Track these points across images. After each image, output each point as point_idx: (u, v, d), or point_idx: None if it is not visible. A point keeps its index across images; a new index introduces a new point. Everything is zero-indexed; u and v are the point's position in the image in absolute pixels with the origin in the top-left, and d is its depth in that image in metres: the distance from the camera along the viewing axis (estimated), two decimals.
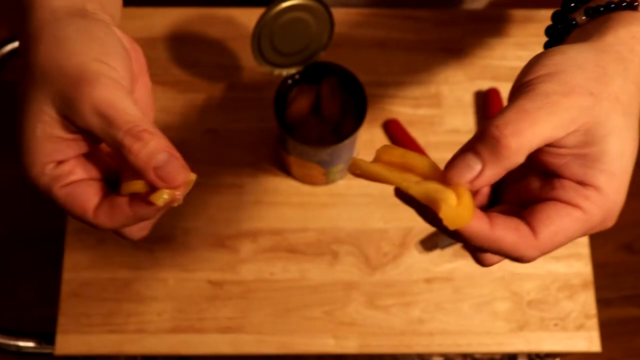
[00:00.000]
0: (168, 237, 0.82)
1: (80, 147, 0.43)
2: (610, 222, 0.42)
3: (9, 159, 1.64)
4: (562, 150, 0.40)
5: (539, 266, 0.81)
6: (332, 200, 0.83)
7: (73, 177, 0.44)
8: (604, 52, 0.41)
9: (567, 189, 0.40)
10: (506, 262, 0.82)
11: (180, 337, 0.78)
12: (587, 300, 0.81)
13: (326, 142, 0.77)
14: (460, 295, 0.80)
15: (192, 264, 0.81)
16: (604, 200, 0.40)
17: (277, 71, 0.74)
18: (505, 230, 0.40)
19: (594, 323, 0.80)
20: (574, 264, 0.82)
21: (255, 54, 0.72)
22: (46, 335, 0.81)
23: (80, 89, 0.40)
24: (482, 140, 0.39)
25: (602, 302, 1.54)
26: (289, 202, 0.83)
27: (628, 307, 1.56)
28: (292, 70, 0.74)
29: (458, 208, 0.39)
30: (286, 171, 0.84)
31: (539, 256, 0.41)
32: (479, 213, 0.40)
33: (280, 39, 0.72)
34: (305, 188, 0.84)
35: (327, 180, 0.83)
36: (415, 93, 0.88)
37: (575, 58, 0.41)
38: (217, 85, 0.85)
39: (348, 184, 0.84)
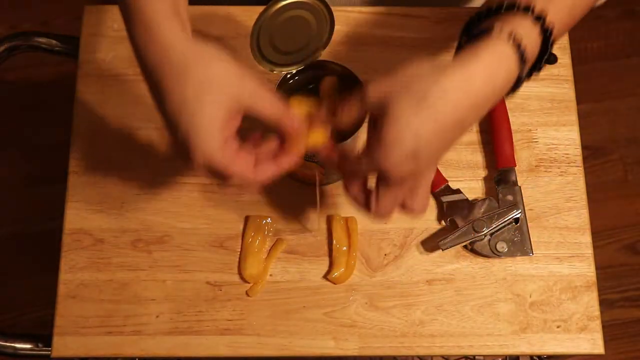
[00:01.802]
0: (166, 238, 0.81)
1: (234, 128, 0.63)
2: (387, 169, 0.60)
3: (9, 159, 1.64)
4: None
5: (542, 267, 0.81)
6: (332, 200, 0.83)
7: (236, 146, 0.63)
8: (443, 75, 0.58)
9: (363, 149, 0.63)
10: (508, 264, 0.82)
11: (178, 339, 0.78)
12: (590, 301, 0.80)
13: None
14: (462, 297, 0.80)
15: (191, 265, 0.80)
16: (372, 159, 0.60)
17: (276, 70, 0.73)
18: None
19: (597, 325, 0.79)
20: (577, 265, 0.81)
21: (255, 52, 0.71)
22: (43, 337, 0.80)
23: (249, 85, 0.62)
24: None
25: (606, 304, 1.54)
26: (288, 202, 0.83)
27: (631, 309, 1.55)
28: (292, 69, 0.74)
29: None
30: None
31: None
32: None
33: (280, 37, 0.71)
34: (306, 188, 0.83)
35: (327, 180, 0.82)
36: None
37: (419, 70, 0.60)
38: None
39: None
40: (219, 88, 0.60)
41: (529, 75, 0.64)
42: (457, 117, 0.59)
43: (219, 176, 0.62)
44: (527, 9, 0.60)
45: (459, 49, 0.64)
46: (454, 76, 0.58)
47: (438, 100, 0.58)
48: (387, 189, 0.63)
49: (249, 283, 0.79)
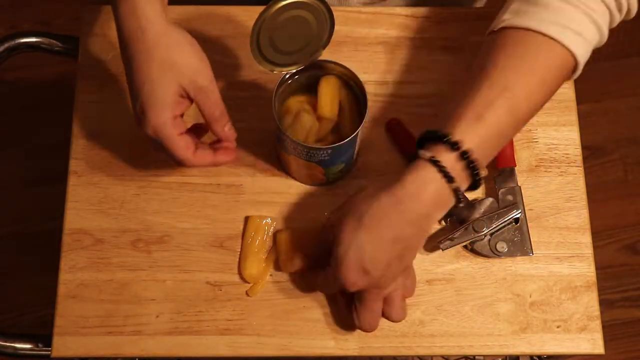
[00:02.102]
0: (166, 238, 0.81)
1: (183, 109, 0.72)
2: (346, 285, 0.69)
3: (9, 159, 1.64)
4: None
5: (542, 267, 0.81)
6: (332, 200, 0.83)
7: (183, 129, 0.71)
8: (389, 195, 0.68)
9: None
10: (508, 264, 0.82)
11: (178, 339, 0.78)
12: (590, 301, 0.80)
13: (326, 142, 0.77)
14: (462, 297, 0.80)
15: (191, 265, 0.80)
16: (331, 276, 0.71)
17: (276, 70, 0.73)
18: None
19: (597, 325, 0.79)
20: (577, 265, 0.81)
21: (255, 52, 0.71)
22: (43, 337, 0.80)
23: (201, 78, 0.71)
24: None
25: (606, 304, 1.54)
26: (288, 202, 0.83)
27: (631, 309, 1.55)
28: (292, 69, 0.74)
29: None
30: (286, 171, 0.83)
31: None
32: None
33: (280, 37, 0.71)
34: (306, 188, 0.83)
35: (327, 180, 0.82)
36: (417, 92, 0.87)
37: (361, 195, 0.71)
38: (216, 83, 0.85)
39: (348, 184, 0.83)
40: (177, 71, 0.69)
41: (473, 188, 0.71)
42: (394, 233, 0.68)
43: (163, 148, 0.71)
44: (444, 138, 0.67)
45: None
46: (383, 199, 0.68)
47: (372, 220, 0.68)
48: (362, 304, 0.72)
49: (248, 283, 0.79)
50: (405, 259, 0.70)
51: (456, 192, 0.68)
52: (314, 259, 0.78)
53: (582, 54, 0.71)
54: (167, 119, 0.69)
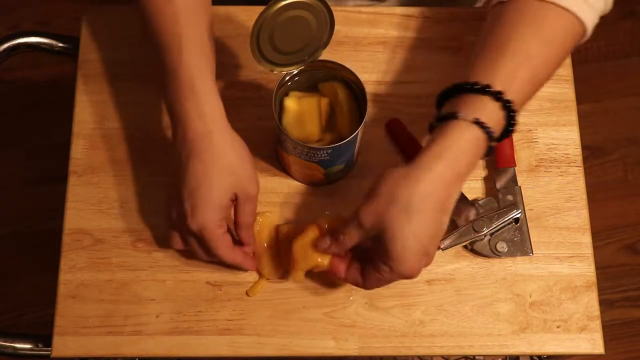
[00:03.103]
0: (166, 238, 0.81)
1: (230, 212, 0.75)
2: (412, 276, 0.68)
3: (9, 159, 1.64)
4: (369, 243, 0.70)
5: (542, 267, 0.81)
6: (332, 200, 0.83)
7: (226, 228, 0.74)
8: (417, 169, 0.66)
9: (376, 262, 0.68)
10: (508, 264, 0.82)
11: (178, 339, 0.78)
12: (590, 301, 0.80)
13: (326, 142, 0.77)
14: (462, 297, 0.80)
15: (191, 265, 0.80)
16: (393, 273, 0.68)
17: (276, 70, 0.73)
18: (351, 274, 0.72)
19: (597, 325, 0.79)
20: (577, 265, 0.81)
21: (255, 52, 0.71)
22: (43, 337, 0.80)
23: (252, 187, 0.75)
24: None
25: (606, 304, 1.54)
26: (288, 202, 0.83)
27: (631, 309, 1.55)
28: (292, 69, 0.74)
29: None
30: (286, 171, 0.83)
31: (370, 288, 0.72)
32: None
33: (280, 37, 0.71)
34: (305, 188, 0.83)
35: (327, 180, 0.82)
36: (417, 92, 0.87)
37: (395, 181, 0.66)
38: (216, 83, 0.85)
39: (348, 184, 0.83)
40: (235, 178, 0.72)
41: (500, 140, 0.70)
42: (440, 206, 0.67)
43: (203, 243, 0.73)
44: (488, 90, 0.67)
45: (431, 129, 0.69)
46: (423, 178, 0.66)
47: (421, 204, 0.65)
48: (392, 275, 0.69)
49: (268, 280, 0.80)
50: (446, 222, 0.69)
51: (491, 146, 0.68)
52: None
53: (591, 24, 0.73)
54: (216, 221, 0.72)
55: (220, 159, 0.71)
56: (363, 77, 0.75)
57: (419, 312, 0.79)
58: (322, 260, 0.72)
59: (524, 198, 0.82)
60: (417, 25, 0.90)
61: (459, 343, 0.78)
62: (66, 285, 0.79)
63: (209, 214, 0.71)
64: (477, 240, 0.80)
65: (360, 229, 0.68)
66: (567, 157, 0.85)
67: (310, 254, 0.73)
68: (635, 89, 1.71)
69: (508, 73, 0.68)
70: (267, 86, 0.86)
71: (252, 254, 0.78)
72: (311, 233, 0.74)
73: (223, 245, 0.73)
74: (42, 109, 1.66)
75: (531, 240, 0.81)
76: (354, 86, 0.76)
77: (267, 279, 0.79)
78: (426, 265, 0.69)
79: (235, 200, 0.74)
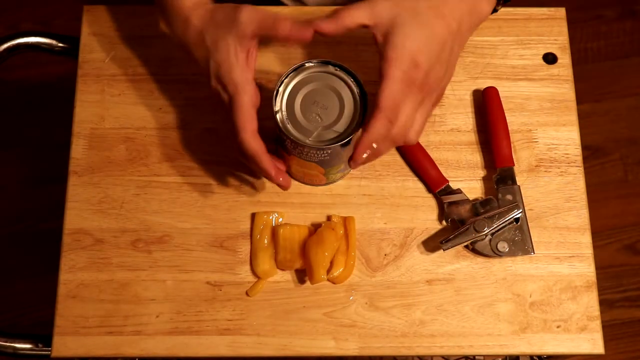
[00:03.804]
0: (166, 238, 0.81)
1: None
2: (420, 72, 0.69)
3: (9, 160, 1.64)
4: (375, 32, 0.70)
5: (542, 267, 0.81)
6: (332, 200, 0.83)
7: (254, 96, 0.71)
8: None
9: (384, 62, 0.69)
10: (508, 263, 0.81)
11: (178, 339, 0.78)
12: (590, 301, 0.80)
13: (326, 142, 0.77)
14: (462, 297, 0.80)
15: (191, 265, 0.80)
16: (396, 68, 0.68)
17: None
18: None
19: (597, 325, 0.79)
20: (577, 265, 0.81)
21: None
22: (43, 337, 0.80)
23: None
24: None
25: (606, 304, 1.54)
26: (288, 202, 0.83)
27: (631, 309, 1.55)
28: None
29: None
30: (286, 171, 0.83)
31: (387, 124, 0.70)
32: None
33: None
34: (305, 188, 0.83)
35: (327, 180, 0.82)
36: None
37: None
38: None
39: (348, 184, 0.83)
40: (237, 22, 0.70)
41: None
42: (448, 24, 0.69)
43: (249, 155, 0.72)
44: None
45: None
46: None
47: (428, 11, 0.68)
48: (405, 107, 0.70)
49: (261, 278, 0.79)
50: (455, 53, 0.71)
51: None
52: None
53: None
54: (249, 80, 0.71)
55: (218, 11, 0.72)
56: (363, 77, 0.75)
57: (419, 312, 0.79)
58: (339, 262, 0.78)
59: (523, 198, 0.82)
60: None
61: (459, 343, 0.78)
62: (66, 285, 0.79)
63: (238, 74, 0.71)
64: (478, 240, 0.80)
65: (371, 12, 0.69)
66: (567, 157, 0.85)
67: (327, 258, 0.77)
68: (635, 89, 1.71)
69: None
70: (267, 86, 0.86)
71: (284, 168, 0.78)
72: (325, 238, 0.77)
73: (267, 160, 0.72)
74: (42, 109, 1.66)
75: (532, 239, 0.81)
76: (354, 86, 0.76)
77: (264, 278, 0.79)
78: (421, 84, 0.69)
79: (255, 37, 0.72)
